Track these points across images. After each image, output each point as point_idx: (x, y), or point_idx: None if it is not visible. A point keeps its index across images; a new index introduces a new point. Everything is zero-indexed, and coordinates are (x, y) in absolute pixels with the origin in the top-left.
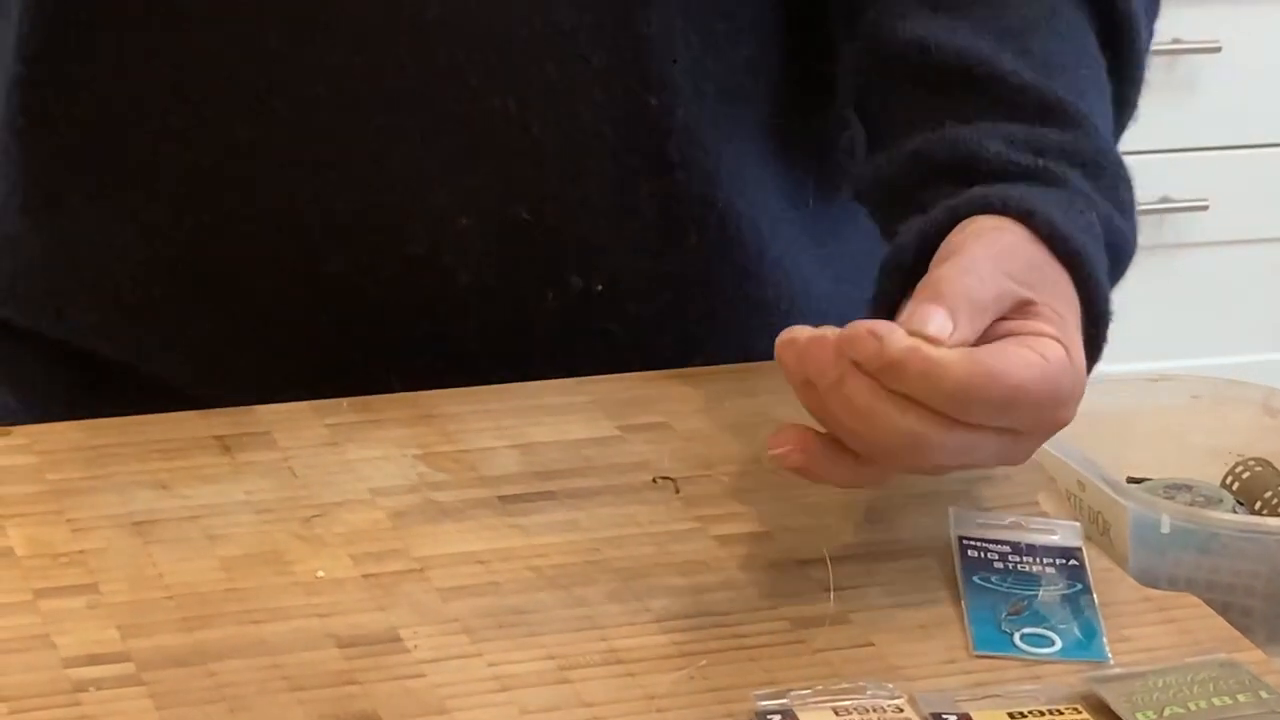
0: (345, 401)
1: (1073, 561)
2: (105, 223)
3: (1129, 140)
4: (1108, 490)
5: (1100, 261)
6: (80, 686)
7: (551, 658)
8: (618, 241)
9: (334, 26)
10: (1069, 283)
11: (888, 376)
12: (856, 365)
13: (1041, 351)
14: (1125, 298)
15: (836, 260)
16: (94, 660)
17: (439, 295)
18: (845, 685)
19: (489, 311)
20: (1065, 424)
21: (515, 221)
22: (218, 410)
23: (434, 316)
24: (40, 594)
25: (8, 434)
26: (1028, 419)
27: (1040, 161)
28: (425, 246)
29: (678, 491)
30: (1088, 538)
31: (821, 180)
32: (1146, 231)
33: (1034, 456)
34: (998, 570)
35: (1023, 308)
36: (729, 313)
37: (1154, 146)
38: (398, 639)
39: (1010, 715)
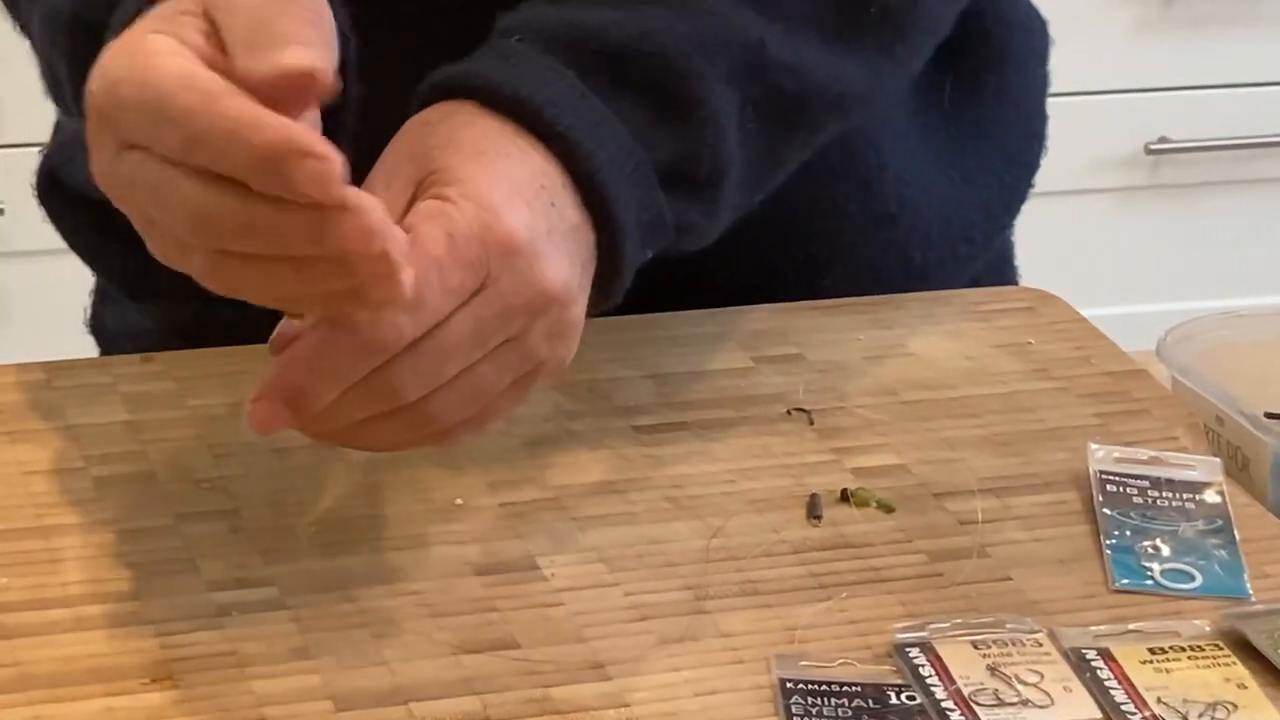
0: None
1: (1213, 497)
2: None
3: (1258, 73)
4: (1247, 425)
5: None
6: (224, 610)
7: (689, 588)
8: None
9: None
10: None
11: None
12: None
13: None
14: (1258, 231)
15: (962, 167)
16: (238, 584)
17: None
18: (984, 619)
19: None
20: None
21: None
22: None
23: None
24: (183, 518)
25: (150, 360)
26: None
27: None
28: None
29: (812, 423)
30: (1227, 473)
31: (957, 81)
32: (1275, 164)
33: (1173, 390)
34: (1137, 505)
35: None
36: (853, 231)
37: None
38: (535, 567)
39: (1150, 651)
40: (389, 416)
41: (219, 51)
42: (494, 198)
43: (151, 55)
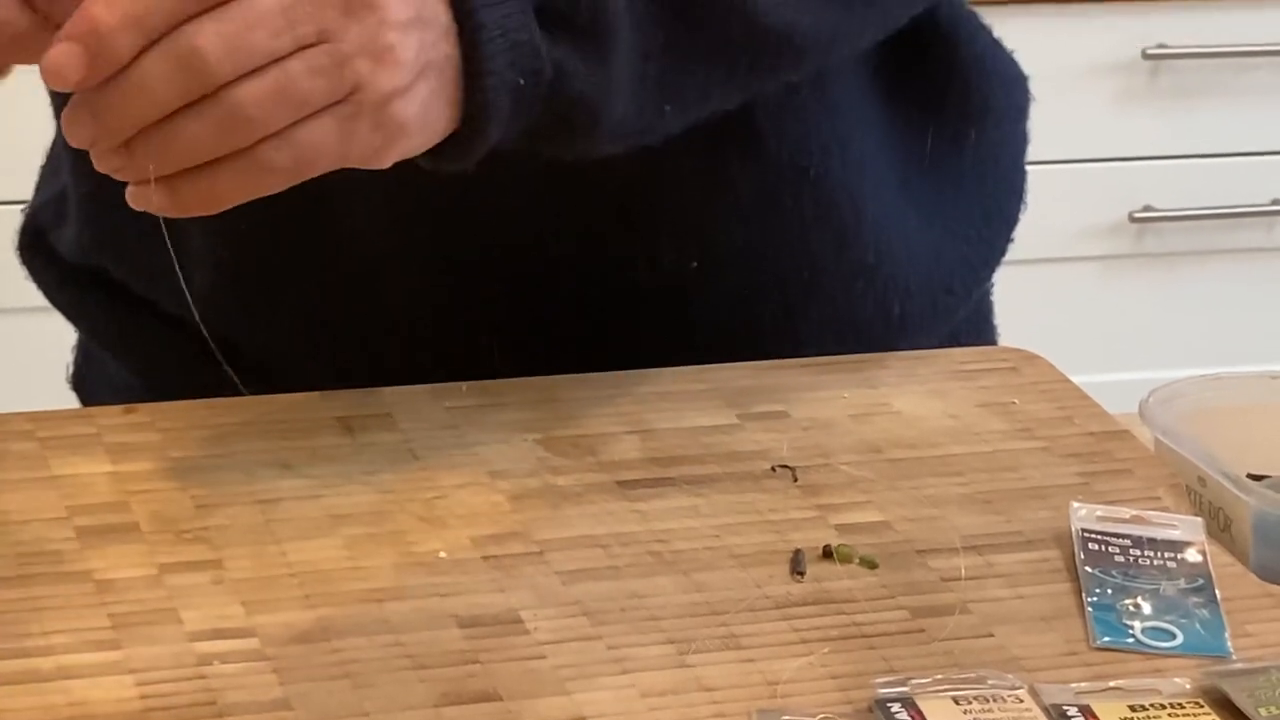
0: (465, 385)
1: (1194, 556)
2: None
3: (1243, 143)
4: (1229, 486)
5: None
6: (205, 660)
7: (671, 642)
8: (711, 215)
9: None
10: None
11: None
12: None
13: None
14: (1240, 299)
15: (942, 219)
16: (219, 635)
17: (532, 273)
18: (966, 675)
19: (584, 289)
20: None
21: (606, 200)
22: (339, 391)
23: (529, 294)
24: (166, 569)
25: (133, 411)
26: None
27: None
28: (517, 228)
29: (796, 480)
30: (1209, 533)
31: (939, 133)
32: (1257, 234)
33: (1155, 451)
34: (1119, 564)
35: None
36: (831, 281)
37: (1267, 148)
38: (518, 620)
39: (1131, 709)
40: (198, 112)
41: None
42: None
43: None
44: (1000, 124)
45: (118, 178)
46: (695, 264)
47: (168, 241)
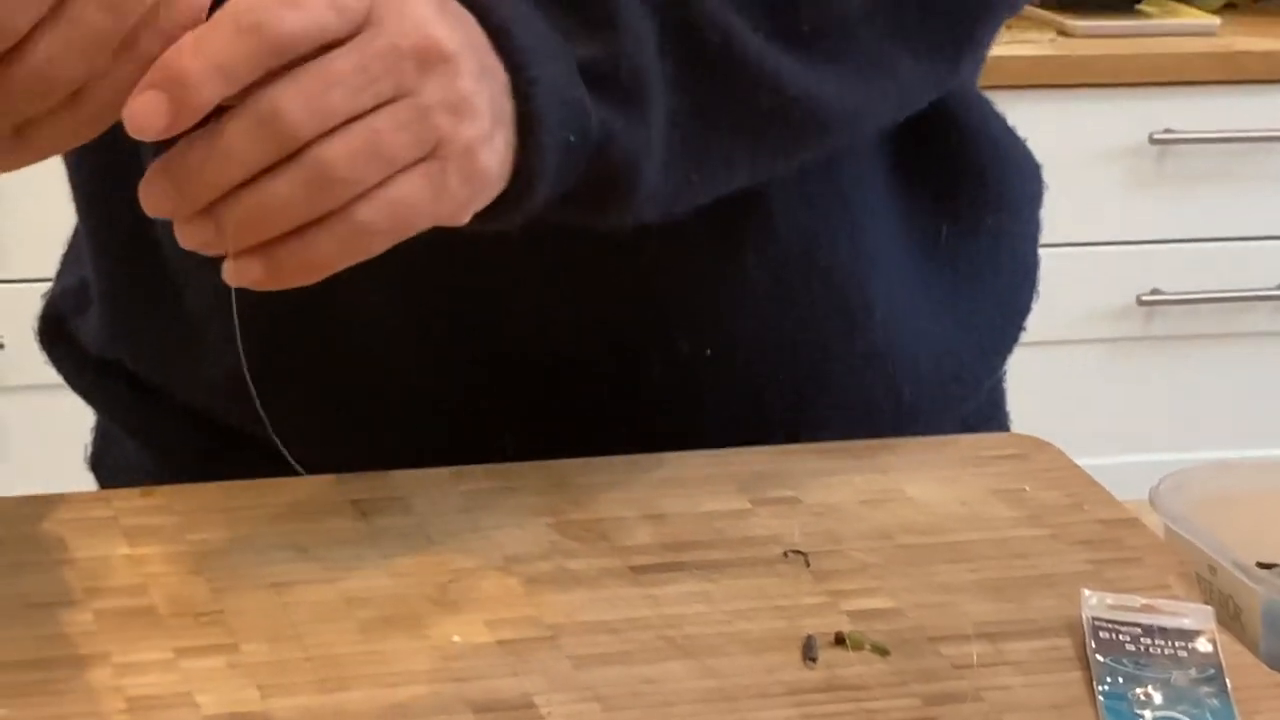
0: (480, 469)
1: (1205, 645)
2: (224, 289)
3: (1249, 227)
4: (1239, 574)
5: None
6: None
7: None
8: (724, 305)
9: None
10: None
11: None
12: None
13: None
14: (1248, 383)
15: (955, 307)
16: (235, 719)
17: (546, 359)
18: None
19: (598, 378)
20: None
21: (620, 289)
22: (354, 475)
23: (544, 383)
24: (181, 652)
25: (150, 494)
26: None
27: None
28: (532, 316)
29: (808, 566)
30: (1219, 622)
31: (954, 222)
32: (1264, 317)
33: (1165, 539)
34: (1129, 652)
35: None
36: (842, 368)
37: (1273, 233)
38: (532, 705)
39: None
40: (285, 173)
41: None
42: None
43: None
44: (1015, 212)
45: (208, 253)
46: (709, 352)
47: (234, 310)
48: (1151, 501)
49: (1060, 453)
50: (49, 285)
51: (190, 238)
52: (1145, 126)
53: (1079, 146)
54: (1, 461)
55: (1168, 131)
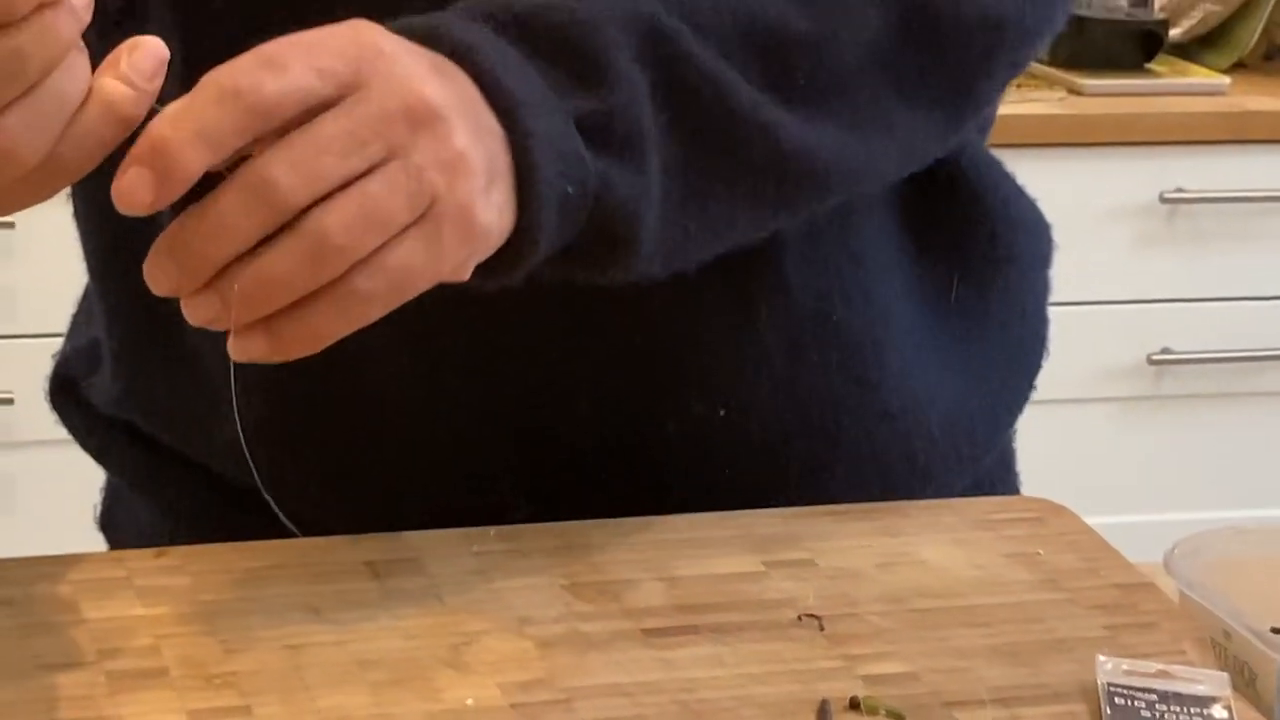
0: (492, 530)
1: (1220, 712)
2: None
3: (1259, 287)
4: (1254, 640)
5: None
6: None
7: None
8: (737, 365)
9: None
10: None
11: None
12: None
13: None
14: (1259, 443)
15: (965, 367)
16: None
17: (559, 420)
18: None
19: (612, 436)
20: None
21: (633, 350)
22: (367, 535)
23: (557, 444)
24: (194, 714)
25: (163, 554)
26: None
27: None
28: (544, 377)
29: (822, 629)
30: (1234, 688)
31: (965, 280)
32: (1275, 377)
33: (1180, 604)
34: (1145, 718)
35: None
36: (855, 427)
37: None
38: None
39: None
40: (279, 242)
41: None
42: (369, 28)
43: None
44: (1025, 272)
45: (214, 328)
46: (722, 412)
47: (233, 381)
48: (1166, 566)
49: (1075, 516)
50: (59, 341)
51: (196, 314)
52: (1156, 185)
53: (1089, 205)
54: (9, 517)
55: (1178, 190)
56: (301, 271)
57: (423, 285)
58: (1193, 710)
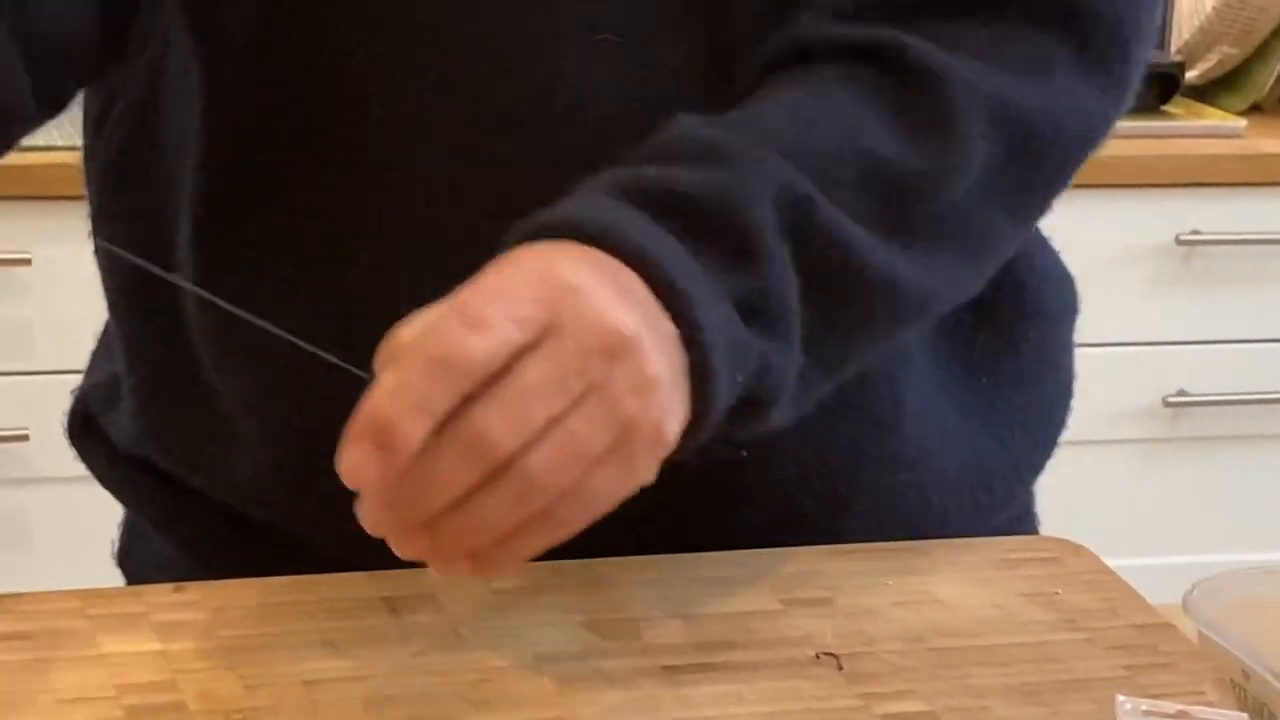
0: None
1: None
2: (256, 383)
3: (1276, 329)
4: (1273, 681)
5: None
6: None
7: None
8: None
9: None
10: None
11: None
12: None
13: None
14: (1277, 485)
15: (988, 419)
16: None
17: None
18: None
19: None
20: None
21: None
22: (385, 571)
23: None
24: None
25: (182, 590)
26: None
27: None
28: None
29: (840, 668)
30: None
31: (992, 333)
32: None
33: (1199, 645)
34: None
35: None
36: (873, 469)
37: None
38: None
39: None
40: (491, 489)
41: None
42: (552, 257)
43: None
44: (1056, 325)
45: (423, 559)
46: (744, 453)
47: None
48: (1185, 607)
49: (1094, 556)
50: (75, 378)
51: (406, 551)
52: (1171, 227)
53: (1105, 247)
54: (25, 554)
55: (1194, 233)
56: (511, 512)
57: (617, 501)
58: None
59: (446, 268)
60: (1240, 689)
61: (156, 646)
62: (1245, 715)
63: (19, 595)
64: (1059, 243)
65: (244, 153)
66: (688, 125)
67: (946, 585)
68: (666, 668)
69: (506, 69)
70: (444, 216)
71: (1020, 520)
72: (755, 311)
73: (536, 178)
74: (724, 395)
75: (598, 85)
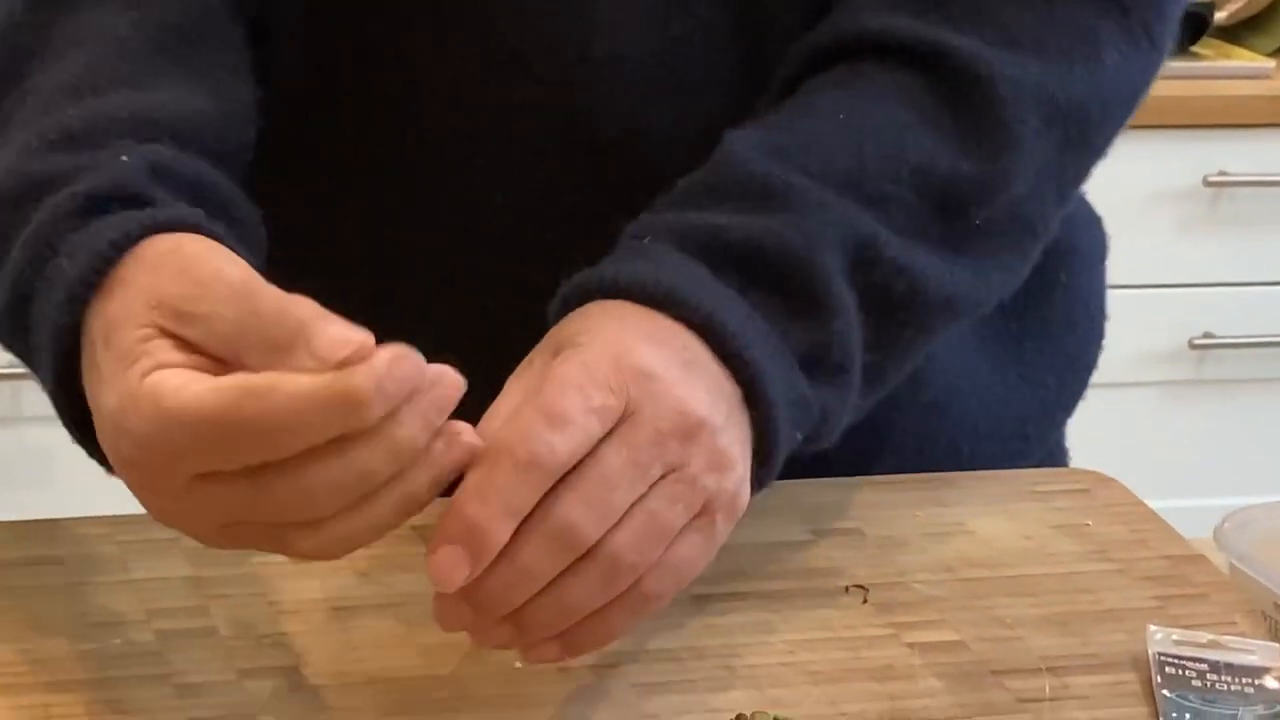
0: None
1: (1272, 682)
2: None
3: None
4: None
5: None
6: None
7: None
8: None
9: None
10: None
11: None
12: None
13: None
14: None
15: (1019, 364)
16: None
17: None
18: None
19: None
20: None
21: None
22: None
23: None
24: (244, 673)
25: None
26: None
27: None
28: None
29: (865, 602)
30: None
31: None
32: None
33: (1230, 576)
34: (1196, 689)
35: None
36: (902, 418)
37: None
38: None
39: None
40: (576, 572)
41: (213, 362)
42: (624, 338)
43: (174, 393)
44: (1086, 267)
45: (508, 648)
46: None
47: None
48: (1216, 539)
49: (1124, 488)
50: None
51: (489, 641)
52: (1199, 169)
53: (1132, 189)
54: (47, 490)
55: (1222, 174)
56: (597, 592)
57: (703, 568)
58: (1244, 680)
59: (493, 236)
60: (1272, 620)
61: (187, 572)
62: (1277, 646)
63: (52, 521)
64: (1086, 185)
65: (294, 126)
66: (742, 153)
67: (976, 517)
68: (697, 596)
69: (544, 15)
70: (486, 186)
71: (1049, 461)
72: (818, 361)
73: (578, 141)
74: (784, 452)
75: (631, 36)
